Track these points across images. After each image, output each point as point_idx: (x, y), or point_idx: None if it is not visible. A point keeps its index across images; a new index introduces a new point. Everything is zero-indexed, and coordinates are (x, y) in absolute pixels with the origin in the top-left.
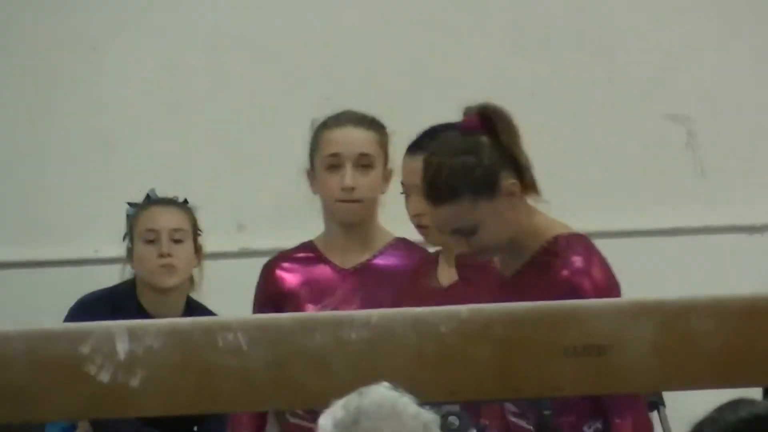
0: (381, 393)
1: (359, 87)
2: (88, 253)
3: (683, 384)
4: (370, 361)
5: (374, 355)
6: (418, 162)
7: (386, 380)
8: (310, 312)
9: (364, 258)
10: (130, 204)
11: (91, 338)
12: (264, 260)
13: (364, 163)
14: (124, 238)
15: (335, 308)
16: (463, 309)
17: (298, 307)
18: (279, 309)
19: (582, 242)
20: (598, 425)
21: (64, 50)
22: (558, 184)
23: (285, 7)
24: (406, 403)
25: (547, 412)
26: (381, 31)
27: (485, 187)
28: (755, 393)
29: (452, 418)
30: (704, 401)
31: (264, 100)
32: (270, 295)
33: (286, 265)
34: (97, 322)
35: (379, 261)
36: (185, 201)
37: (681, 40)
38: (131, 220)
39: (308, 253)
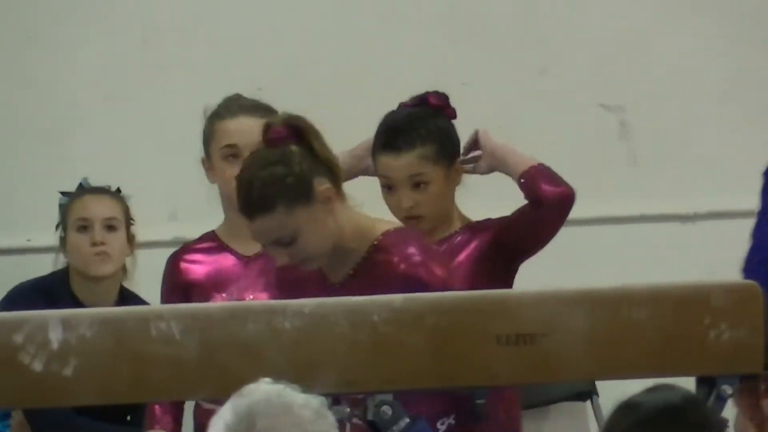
0: (265, 389)
1: (291, 77)
2: (21, 242)
3: (617, 373)
4: (303, 350)
5: (308, 344)
6: (401, 158)
7: (320, 370)
8: (222, 301)
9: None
10: (62, 193)
11: (24, 327)
12: None
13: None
14: (57, 228)
15: (240, 295)
16: (397, 298)
17: (205, 297)
18: (186, 300)
19: (412, 235)
20: (451, 420)
21: (0, 41)
22: (491, 174)
23: None
24: (293, 393)
25: (479, 401)
26: (314, 21)
27: (299, 194)
28: (688, 382)
29: (385, 408)
30: (638, 390)
31: (197, 90)
32: (177, 288)
33: (189, 256)
34: (30, 311)
35: None
36: (118, 190)
37: (614, 30)
38: (64, 209)
39: (211, 243)
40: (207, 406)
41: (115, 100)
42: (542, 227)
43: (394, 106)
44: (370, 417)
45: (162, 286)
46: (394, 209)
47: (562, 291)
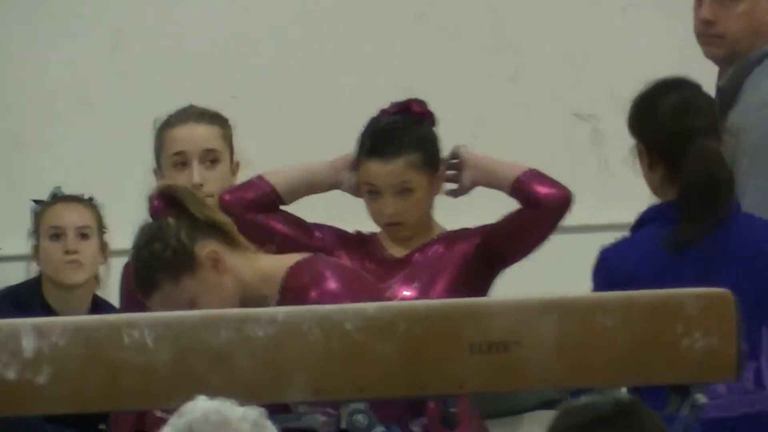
0: (202, 406)
1: (264, 84)
2: None
3: (589, 381)
4: (275, 359)
5: (280, 352)
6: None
7: (292, 377)
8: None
9: None
10: (35, 201)
11: None
12: None
13: (210, 158)
14: (29, 236)
15: None
16: (369, 306)
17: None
18: (143, 308)
19: (318, 261)
20: (424, 420)
21: None
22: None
23: (191, 4)
24: (229, 407)
25: (452, 410)
26: (285, 28)
27: (180, 265)
28: None
29: (359, 417)
30: None
31: (170, 98)
32: (133, 295)
33: None
34: (2, 319)
35: None
36: (91, 198)
37: (587, 37)
38: (37, 217)
39: None
40: (159, 414)
41: (86, 105)
42: (536, 230)
43: (365, 113)
44: (343, 426)
45: (120, 293)
46: (376, 215)
47: (534, 299)
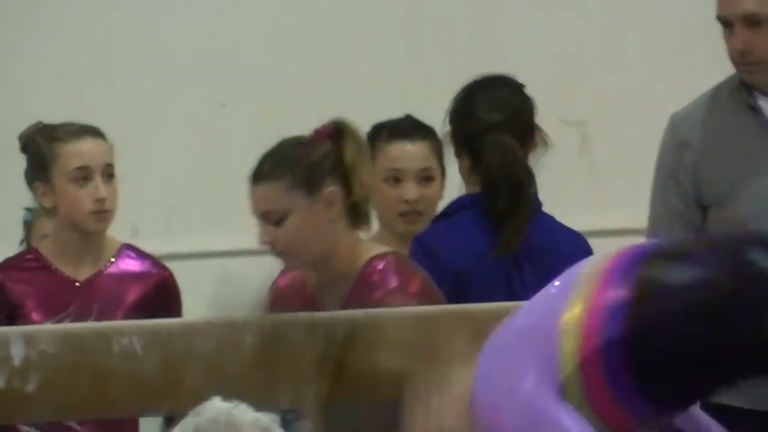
0: (215, 407)
1: (253, 92)
2: None
3: None
4: (263, 366)
5: (268, 359)
6: (409, 146)
7: (281, 384)
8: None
9: (97, 268)
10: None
11: None
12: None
13: (110, 173)
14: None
15: (74, 320)
16: (358, 313)
17: (27, 319)
18: (11, 320)
19: (396, 261)
20: None
21: None
22: (451, 188)
23: (179, 12)
24: (243, 411)
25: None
26: (274, 36)
27: (305, 180)
28: None
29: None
30: None
31: (159, 105)
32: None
33: (12, 274)
34: None
35: (112, 270)
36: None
37: (576, 44)
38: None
39: (35, 263)
40: (24, 429)
41: (73, 112)
42: None
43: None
44: None
45: None
46: (395, 202)
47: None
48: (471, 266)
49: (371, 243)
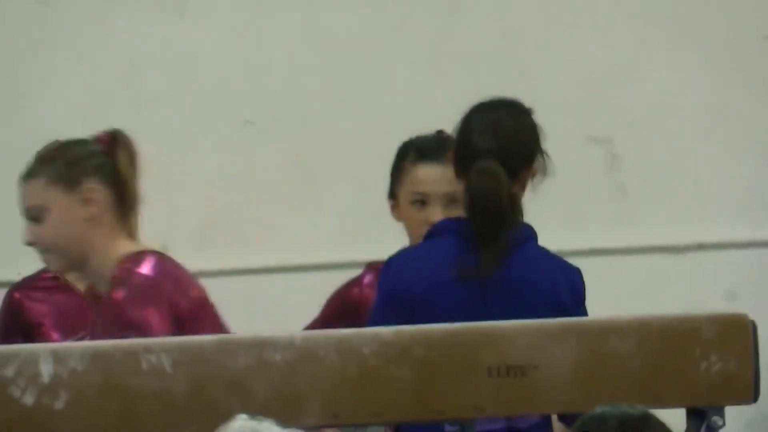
0: (240, 425)
1: (280, 110)
2: (12, 276)
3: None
4: (292, 383)
5: (297, 376)
6: (436, 170)
7: (308, 402)
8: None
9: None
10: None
11: (14, 360)
12: None
13: None
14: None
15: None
16: (386, 330)
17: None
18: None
19: (144, 257)
20: None
21: None
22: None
23: (206, 30)
24: (268, 428)
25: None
26: (302, 54)
27: (64, 176)
28: (676, 414)
29: None
30: None
31: (186, 124)
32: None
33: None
34: (19, 345)
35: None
36: None
37: (602, 62)
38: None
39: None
40: None
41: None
42: None
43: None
44: None
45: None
46: (421, 225)
47: (551, 322)
48: (435, 290)
49: (140, 242)
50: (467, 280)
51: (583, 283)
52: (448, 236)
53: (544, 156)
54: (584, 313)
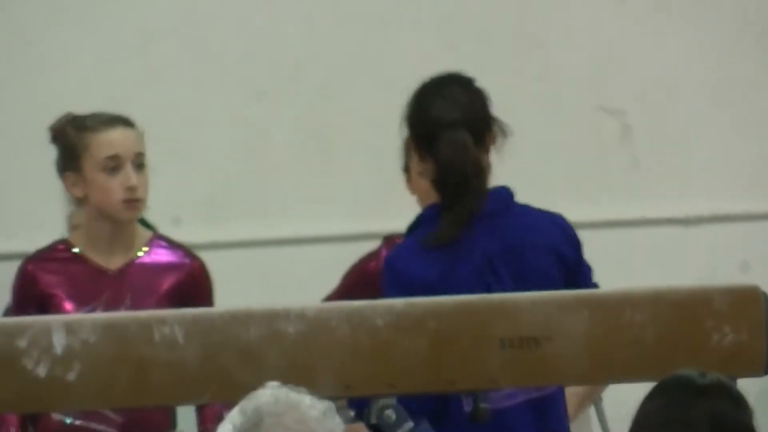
0: (273, 390)
1: (292, 80)
2: (23, 247)
3: (618, 376)
4: (304, 355)
5: (309, 348)
6: None
7: (320, 373)
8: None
9: (128, 258)
10: None
11: (27, 332)
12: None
13: (140, 162)
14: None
15: (105, 309)
16: (399, 302)
17: (59, 309)
18: (42, 310)
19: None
20: None
21: None
22: (491, 178)
23: (218, 2)
24: (301, 393)
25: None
26: (313, 26)
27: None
28: None
29: (389, 412)
30: (641, 395)
31: (197, 96)
32: (30, 298)
33: (43, 265)
34: (32, 316)
35: (144, 260)
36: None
37: (615, 33)
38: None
39: (66, 253)
40: (56, 417)
41: (113, 103)
42: None
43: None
44: (373, 421)
45: (14, 294)
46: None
47: (563, 294)
48: (449, 272)
49: None
50: (467, 254)
51: (569, 224)
52: (435, 221)
53: (499, 121)
54: (582, 256)
